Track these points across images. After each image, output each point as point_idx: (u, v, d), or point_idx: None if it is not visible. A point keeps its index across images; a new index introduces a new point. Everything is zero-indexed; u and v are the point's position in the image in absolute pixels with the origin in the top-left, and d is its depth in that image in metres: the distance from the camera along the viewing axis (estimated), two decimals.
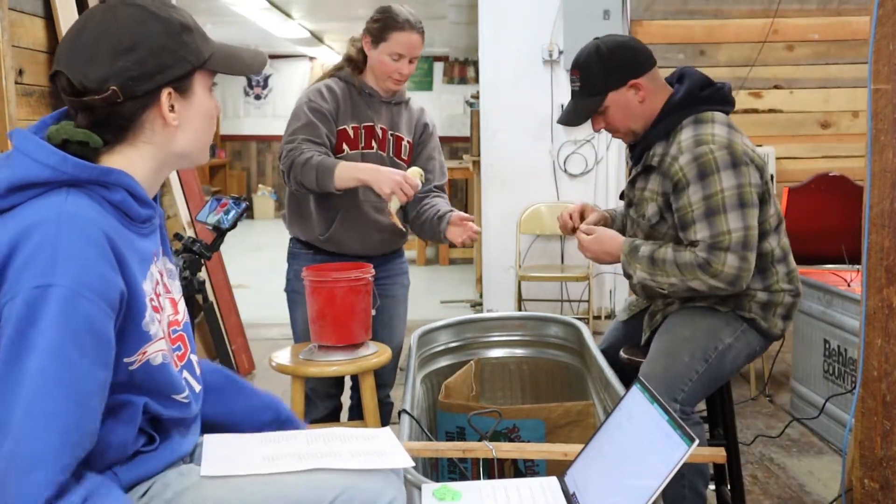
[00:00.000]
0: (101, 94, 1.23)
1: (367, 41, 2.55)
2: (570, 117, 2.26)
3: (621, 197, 2.47)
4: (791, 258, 2.28)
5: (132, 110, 1.26)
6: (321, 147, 2.47)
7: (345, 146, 2.55)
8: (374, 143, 2.59)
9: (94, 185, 1.21)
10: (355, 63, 2.60)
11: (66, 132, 1.23)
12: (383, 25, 2.50)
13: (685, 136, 2.14)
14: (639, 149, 2.27)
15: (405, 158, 2.65)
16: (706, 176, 2.07)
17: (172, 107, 1.29)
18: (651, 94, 2.20)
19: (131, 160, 1.28)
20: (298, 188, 2.45)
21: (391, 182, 2.33)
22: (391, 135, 2.62)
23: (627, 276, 2.24)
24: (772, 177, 4.97)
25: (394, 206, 2.39)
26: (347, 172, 2.37)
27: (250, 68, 1.39)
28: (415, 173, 2.41)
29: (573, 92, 2.26)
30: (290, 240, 2.77)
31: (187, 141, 1.33)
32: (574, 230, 2.39)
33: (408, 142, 2.66)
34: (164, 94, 1.27)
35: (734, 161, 2.07)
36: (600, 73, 2.18)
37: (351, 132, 2.56)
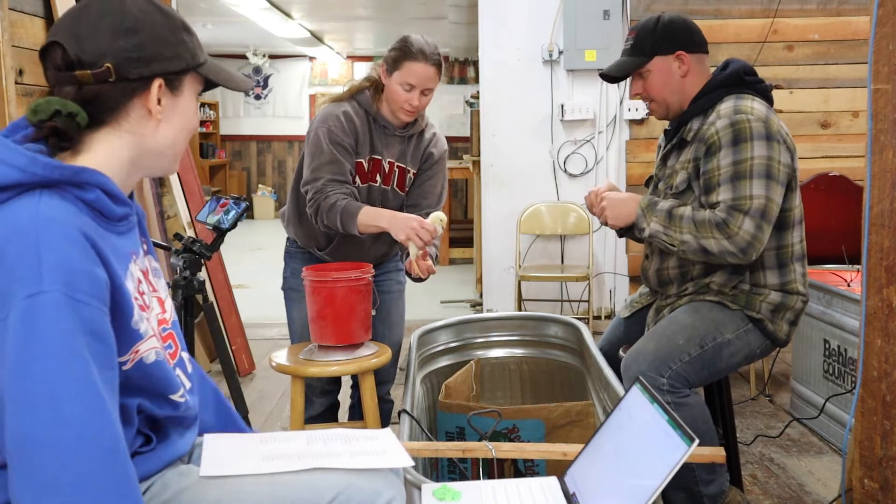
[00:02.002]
0: (95, 69, 1.22)
1: (383, 69, 2.51)
2: (613, 70, 2.35)
3: (646, 184, 2.48)
4: (805, 262, 2.29)
5: (121, 93, 1.25)
6: (346, 185, 2.47)
7: (357, 179, 2.55)
8: (378, 177, 2.59)
9: (67, 184, 1.19)
10: (376, 87, 2.56)
11: (58, 103, 1.21)
12: (399, 54, 2.47)
13: (725, 105, 2.21)
14: (675, 124, 2.33)
15: (406, 189, 2.66)
16: (739, 142, 2.12)
17: (159, 100, 1.28)
18: (694, 73, 2.28)
19: (112, 147, 1.27)
20: (325, 229, 2.48)
21: (406, 229, 2.35)
22: (397, 166, 2.61)
23: (639, 230, 2.24)
24: None
25: (412, 251, 2.39)
26: (368, 219, 2.41)
27: (238, 85, 1.41)
28: (434, 219, 2.40)
29: (623, 50, 2.34)
30: (287, 239, 2.78)
31: (166, 140, 1.32)
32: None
33: (412, 173, 2.66)
34: (156, 85, 1.27)
35: (768, 135, 2.13)
36: (652, 36, 2.29)
37: (366, 164, 2.56)
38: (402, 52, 2.47)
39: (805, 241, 2.29)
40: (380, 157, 2.57)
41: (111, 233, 1.25)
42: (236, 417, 1.62)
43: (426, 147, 2.67)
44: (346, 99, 2.55)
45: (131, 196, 1.36)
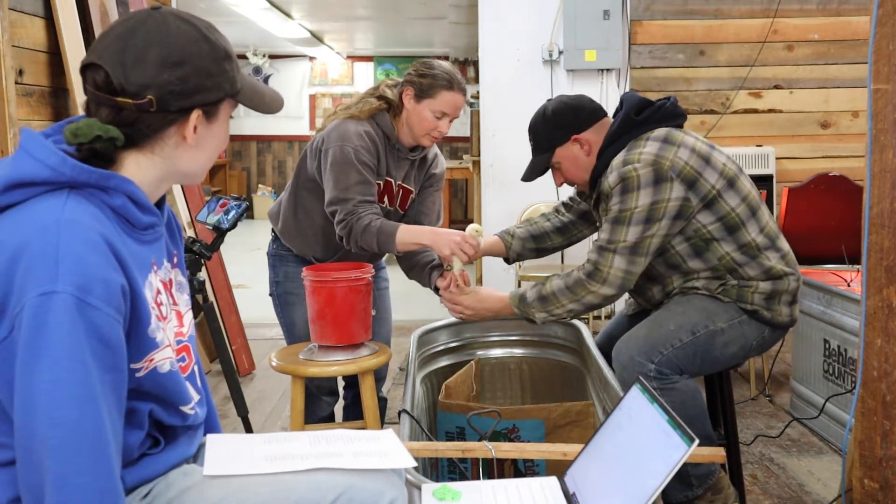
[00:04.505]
0: (138, 99, 1.23)
1: (409, 93, 2.49)
2: (528, 173, 2.43)
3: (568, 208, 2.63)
4: (781, 242, 2.30)
5: (160, 122, 1.26)
6: (375, 206, 2.46)
7: None
8: (386, 199, 2.59)
9: (94, 188, 1.21)
10: (395, 110, 2.54)
11: (100, 128, 1.22)
12: (431, 82, 2.46)
13: (616, 159, 2.26)
14: (591, 182, 2.38)
15: (406, 208, 2.67)
16: (626, 192, 2.18)
17: (195, 128, 1.29)
18: (596, 144, 2.34)
19: (141, 167, 1.29)
20: (359, 250, 2.46)
21: (450, 244, 2.36)
22: (403, 188, 2.62)
23: (530, 321, 2.35)
24: (771, 176, 4.99)
25: (456, 266, 2.40)
26: (408, 237, 2.40)
27: (269, 107, 1.41)
28: (472, 230, 2.42)
29: (531, 150, 2.42)
30: (274, 242, 2.74)
31: (196, 163, 1.34)
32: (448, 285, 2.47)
33: (414, 194, 2.67)
34: (195, 115, 1.28)
35: (657, 178, 2.16)
36: (545, 132, 2.37)
37: (381, 185, 2.56)
38: (435, 80, 2.46)
39: (771, 225, 2.30)
40: (391, 180, 2.58)
41: (134, 240, 1.26)
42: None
43: (428, 167, 2.69)
44: (365, 118, 2.52)
45: (162, 203, 1.37)
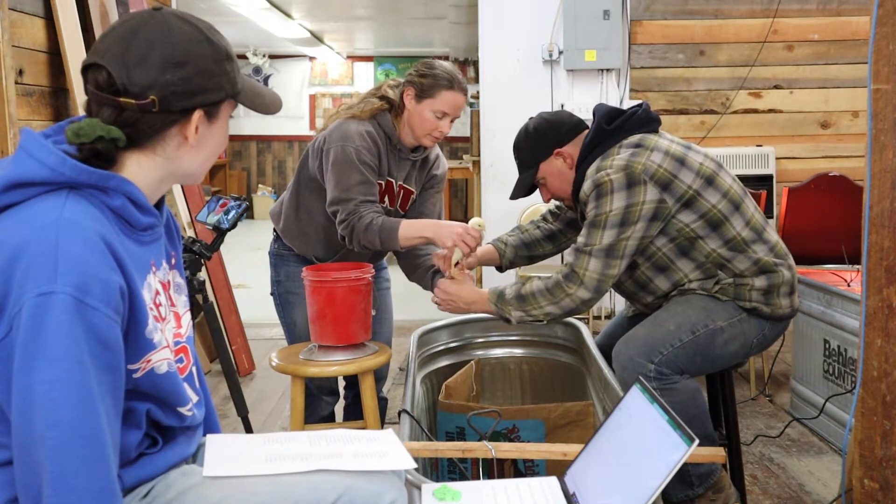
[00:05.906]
0: (141, 100, 1.23)
1: (409, 93, 2.49)
2: (515, 191, 2.47)
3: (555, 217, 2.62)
4: (768, 234, 2.30)
5: (162, 122, 1.27)
6: (377, 205, 2.46)
7: None
8: (387, 199, 2.59)
9: (94, 189, 1.21)
10: (397, 110, 2.55)
11: (102, 129, 1.22)
12: (432, 82, 2.46)
13: (591, 168, 2.28)
14: (573, 195, 2.40)
15: (407, 209, 2.67)
16: (601, 196, 2.20)
17: (197, 128, 1.29)
18: (577, 157, 2.35)
19: (142, 167, 1.29)
20: (361, 249, 2.46)
21: (452, 235, 2.37)
22: (404, 189, 2.63)
23: (506, 320, 2.34)
24: (771, 176, 5.00)
25: (456, 257, 2.41)
26: (410, 231, 2.40)
27: (269, 108, 1.42)
28: (474, 223, 2.42)
29: (518, 169, 2.45)
30: (275, 241, 2.75)
31: (196, 163, 1.34)
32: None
33: (415, 194, 2.67)
34: (197, 115, 1.28)
35: (629, 182, 2.18)
36: (529, 149, 2.41)
37: (383, 185, 2.56)
38: (436, 80, 2.47)
39: (757, 218, 2.30)
40: (392, 180, 2.58)
41: (133, 241, 1.26)
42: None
43: (430, 168, 2.69)
44: (366, 118, 2.52)
45: (161, 205, 1.37)
